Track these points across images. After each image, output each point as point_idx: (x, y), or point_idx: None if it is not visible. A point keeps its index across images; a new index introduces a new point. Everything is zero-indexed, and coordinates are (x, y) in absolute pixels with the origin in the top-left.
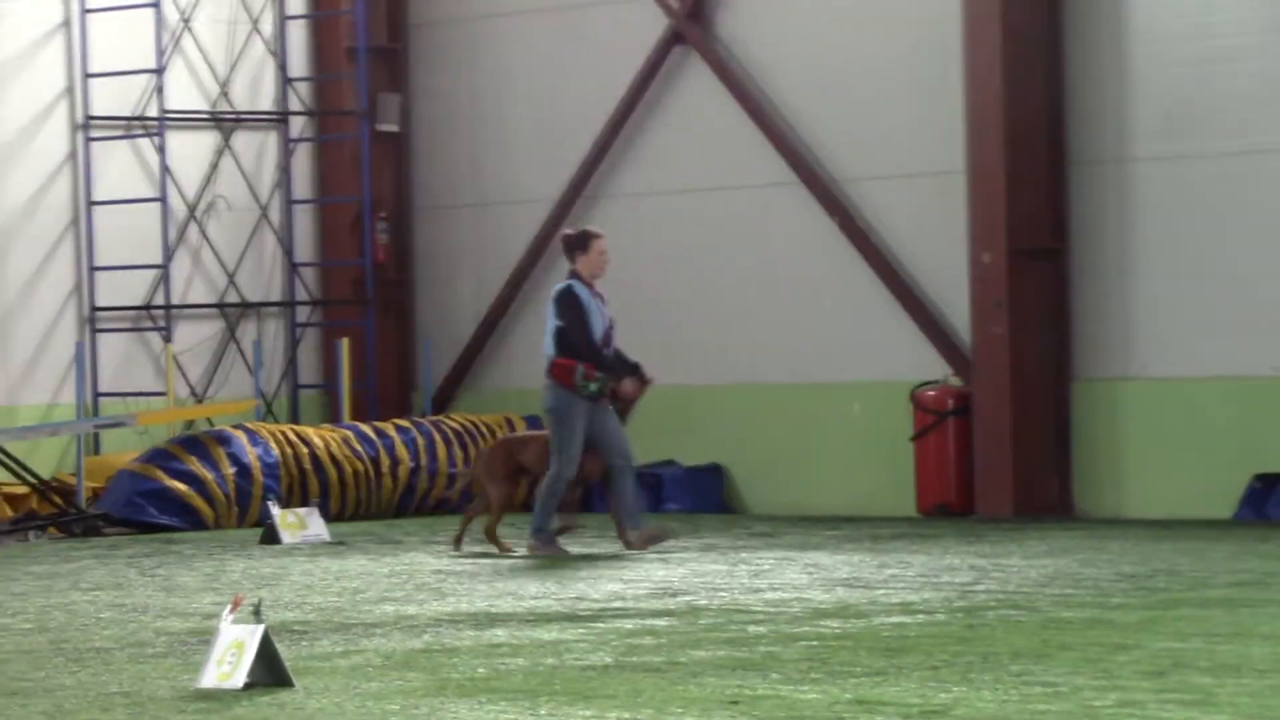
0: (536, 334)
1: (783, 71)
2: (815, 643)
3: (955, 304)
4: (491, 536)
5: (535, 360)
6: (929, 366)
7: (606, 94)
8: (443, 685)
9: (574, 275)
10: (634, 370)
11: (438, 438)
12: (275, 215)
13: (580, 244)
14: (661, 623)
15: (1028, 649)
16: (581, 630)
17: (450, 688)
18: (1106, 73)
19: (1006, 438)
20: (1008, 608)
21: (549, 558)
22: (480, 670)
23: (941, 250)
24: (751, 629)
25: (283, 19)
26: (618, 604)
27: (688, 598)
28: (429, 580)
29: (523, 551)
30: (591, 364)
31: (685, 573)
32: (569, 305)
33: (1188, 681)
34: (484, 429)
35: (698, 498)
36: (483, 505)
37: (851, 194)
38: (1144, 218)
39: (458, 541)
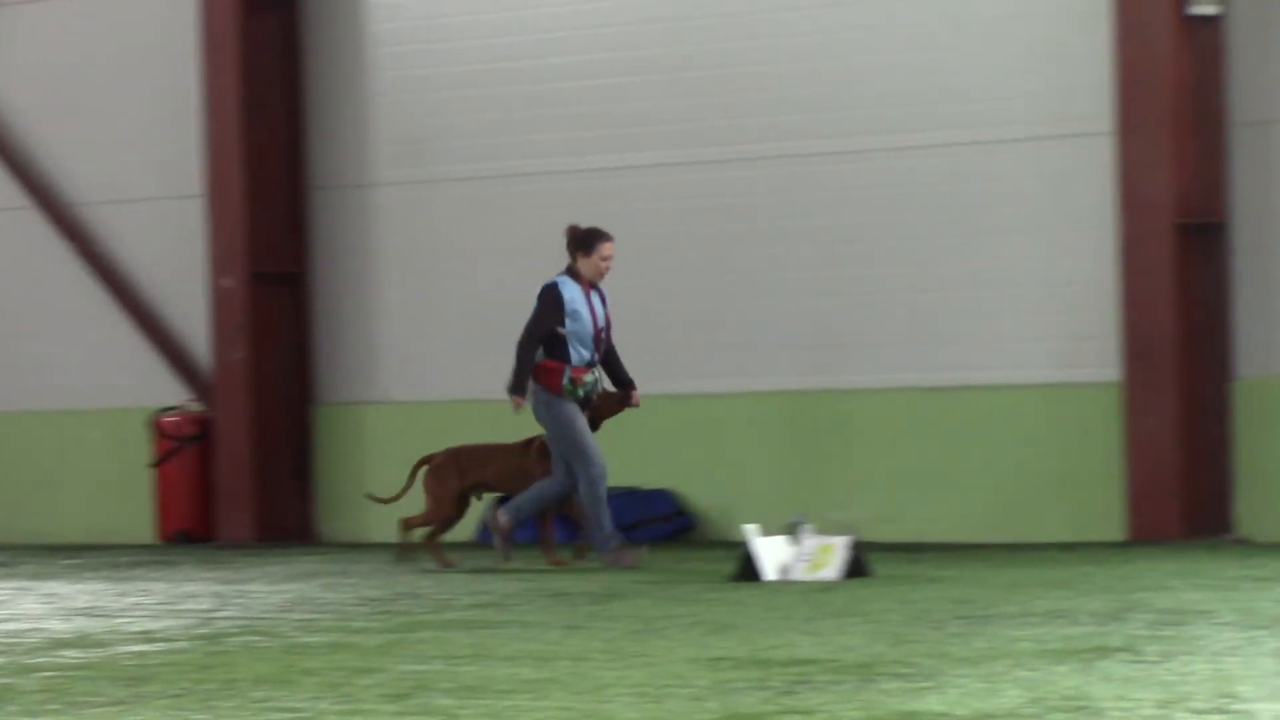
0: None
1: (17, 93)
2: (54, 674)
3: (196, 329)
4: (430, 547)
5: None
6: (169, 392)
7: None
8: None
9: (570, 272)
10: (629, 385)
11: None
12: None
13: (584, 244)
14: None
15: (270, 675)
16: None
17: None
18: (346, 99)
19: (247, 463)
20: (250, 634)
21: (629, 568)
22: None
23: (181, 275)
24: None
25: None
26: None
27: None
28: None
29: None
30: (580, 367)
31: None
32: (544, 299)
33: (430, 704)
34: None
35: None
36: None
37: (89, 218)
38: (386, 242)
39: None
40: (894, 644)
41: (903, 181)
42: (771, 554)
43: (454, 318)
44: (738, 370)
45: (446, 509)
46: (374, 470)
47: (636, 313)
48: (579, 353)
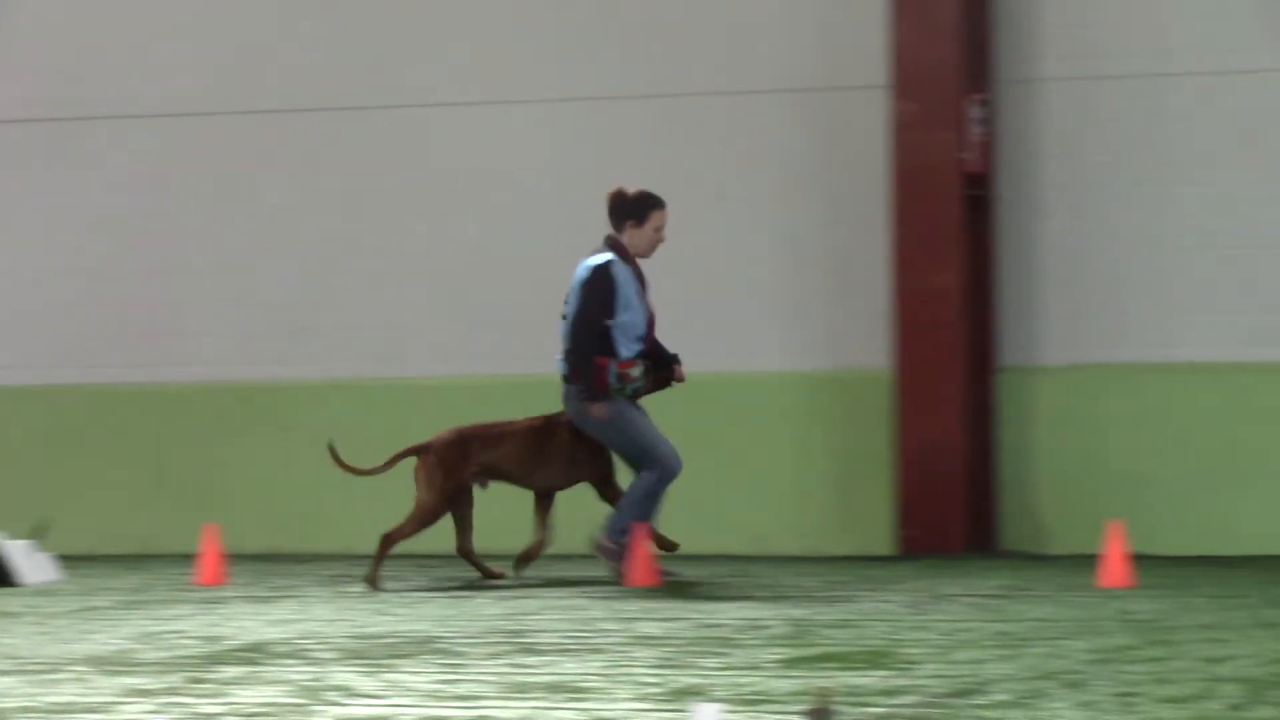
0: None
1: None
2: None
3: None
4: (380, 555)
5: None
6: None
7: None
8: None
9: (613, 246)
10: (671, 360)
11: None
12: None
13: (635, 211)
14: None
15: None
16: None
17: None
18: None
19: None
20: None
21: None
22: None
23: None
24: None
25: None
26: None
27: None
28: None
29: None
30: (626, 361)
31: None
32: (597, 286)
33: None
34: None
35: None
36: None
37: None
38: None
39: (486, 573)
40: None
41: None
42: None
43: None
44: None
45: (438, 502)
46: None
47: None
48: (628, 346)
